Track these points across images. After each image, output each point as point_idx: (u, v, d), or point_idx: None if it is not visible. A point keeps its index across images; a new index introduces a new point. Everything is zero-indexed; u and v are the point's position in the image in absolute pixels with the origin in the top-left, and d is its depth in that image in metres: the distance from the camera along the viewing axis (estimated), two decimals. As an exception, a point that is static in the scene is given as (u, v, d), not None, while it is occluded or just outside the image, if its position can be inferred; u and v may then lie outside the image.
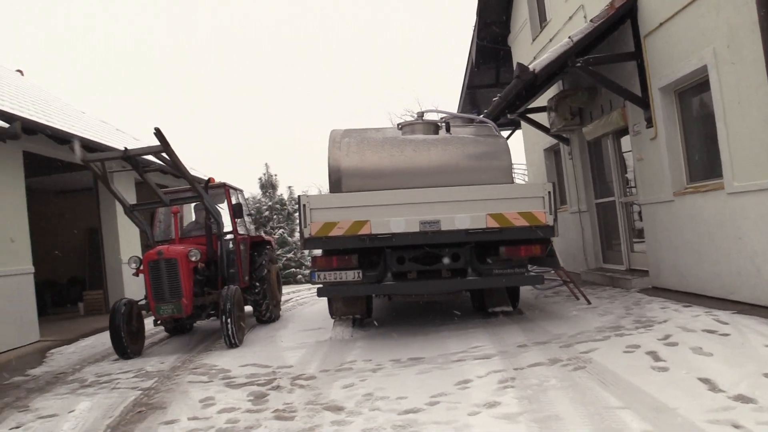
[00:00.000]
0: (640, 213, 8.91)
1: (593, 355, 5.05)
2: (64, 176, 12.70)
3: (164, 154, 6.86)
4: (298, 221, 18.28)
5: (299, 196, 6.89)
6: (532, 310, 7.92)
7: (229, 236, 8.51)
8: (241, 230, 8.88)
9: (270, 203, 18.91)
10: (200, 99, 63.09)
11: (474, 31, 14.45)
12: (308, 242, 6.72)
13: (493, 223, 6.61)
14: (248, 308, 8.65)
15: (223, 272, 8.02)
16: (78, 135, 9.83)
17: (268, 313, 8.90)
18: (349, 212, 6.63)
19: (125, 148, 6.80)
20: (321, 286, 6.86)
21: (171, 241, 8.21)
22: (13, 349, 8.46)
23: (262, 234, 9.95)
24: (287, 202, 19.23)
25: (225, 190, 8.78)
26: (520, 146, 15.32)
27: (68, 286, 14.79)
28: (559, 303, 8.36)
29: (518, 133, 15.60)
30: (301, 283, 17.82)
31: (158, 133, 6.37)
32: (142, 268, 7.39)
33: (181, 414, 4.53)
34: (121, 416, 4.63)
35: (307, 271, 18.35)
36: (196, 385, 5.39)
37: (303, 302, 11.86)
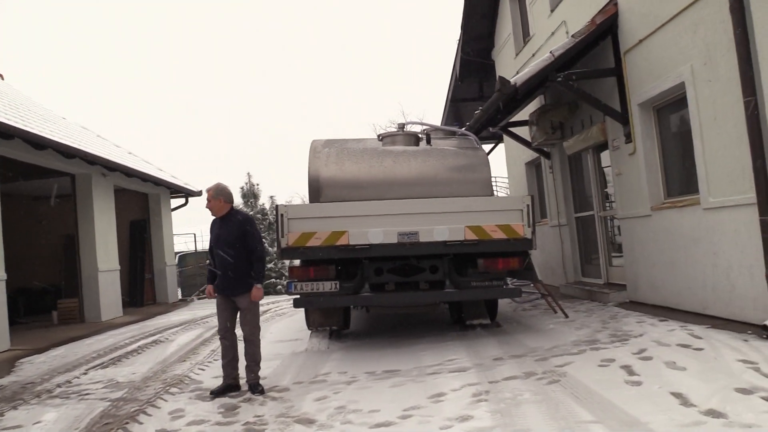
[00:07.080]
0: (618, 227, 8.97)
1: (568, 368, 5.03)
2: (40, 182, 12.52)
3: None
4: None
5: (277, 206, 6.82)
6: (509, 323, 7.90)
7: None
8: None
9: (251, 213, 18.72)
10: (184, 105, 62.70)
11: (458, 44, 14.49)
12: (285, 252, 6.66)
13: (471, 236, 6.60)
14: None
15: None
16: (54, 140, 9.69)
17: None
18: (327, 223, 6.58)
19: None
20: (298, 296, 6.79)
21: None
22: (-18, 357, 8.22)
23: None
24: (269, 212, 19.08)
25: None
26: (503, 160, 15.39)
27: (42, 294, 14.47)
28: (537, 316, 8.35)
29: (501, 146, 15.66)
30: (281, 293, 17.66)
31: None
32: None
33: (149, 426, 4.43)
34: (87, 428, 4.51)
35: (286, 282, 18.18)
36: (166, 396, 5.28)
37: (282, 313, 11.73)
